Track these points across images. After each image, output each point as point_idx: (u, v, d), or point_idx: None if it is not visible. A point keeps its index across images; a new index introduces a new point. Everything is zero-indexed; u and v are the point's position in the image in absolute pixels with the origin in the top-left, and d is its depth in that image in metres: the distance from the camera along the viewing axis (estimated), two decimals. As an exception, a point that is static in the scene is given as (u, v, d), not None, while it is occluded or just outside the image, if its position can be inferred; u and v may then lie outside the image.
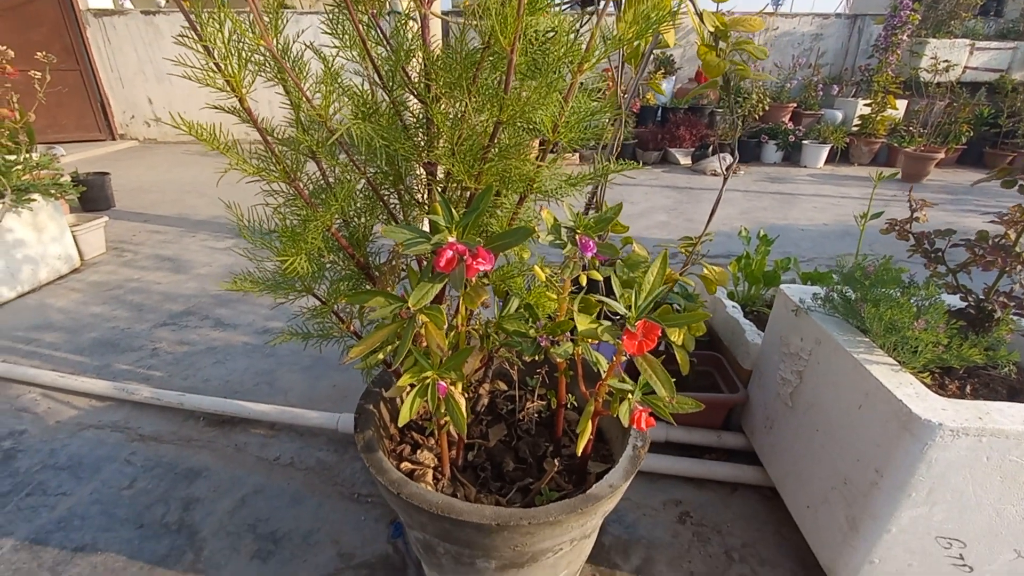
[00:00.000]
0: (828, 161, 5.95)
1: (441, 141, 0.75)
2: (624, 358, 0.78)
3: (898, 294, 1.14)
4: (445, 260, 0.65)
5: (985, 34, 6.07)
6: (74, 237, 2.79)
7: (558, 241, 0.71)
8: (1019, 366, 1.10)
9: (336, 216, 0.73)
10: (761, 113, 5.91)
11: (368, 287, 0.88)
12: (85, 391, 1.79)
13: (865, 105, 5.91)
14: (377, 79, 0.72)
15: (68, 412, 1.73)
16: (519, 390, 1.18)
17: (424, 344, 0.78)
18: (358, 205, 0.78)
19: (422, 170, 0.87)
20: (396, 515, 1.36)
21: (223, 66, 0.61)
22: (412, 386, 0.86)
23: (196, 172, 5.07)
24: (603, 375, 0.81)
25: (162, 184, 4.61)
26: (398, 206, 0.87)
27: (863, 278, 1.12)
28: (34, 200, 2.44)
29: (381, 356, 0.83)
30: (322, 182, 0.77)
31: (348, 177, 0.73)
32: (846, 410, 1.08)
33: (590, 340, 0.80)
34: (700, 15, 1.18)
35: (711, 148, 5.52)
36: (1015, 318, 1.06)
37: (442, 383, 0.77)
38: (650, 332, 0.68)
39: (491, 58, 0.68)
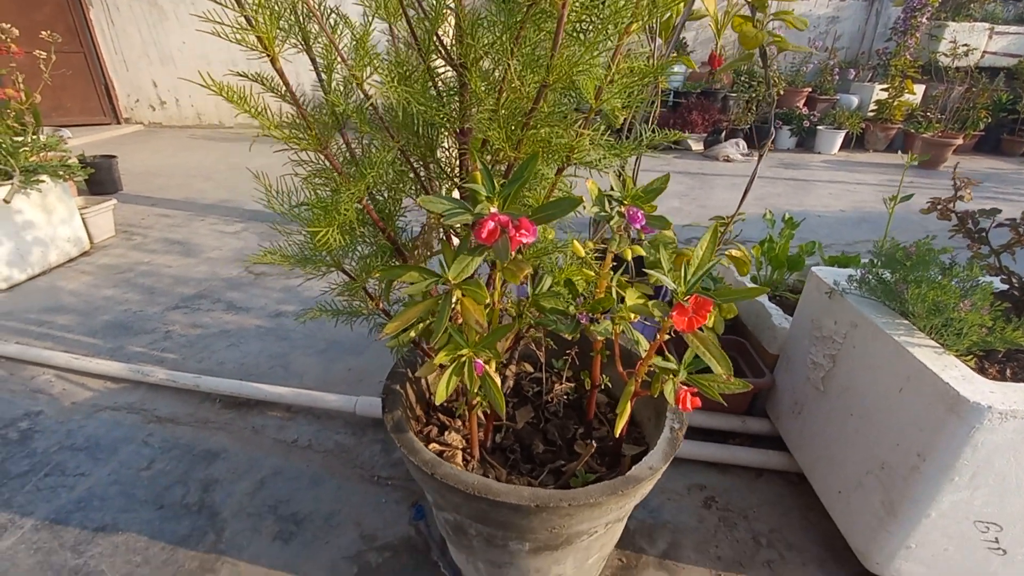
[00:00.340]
0: (843, 147, 5.86)
1: (475, 109, 0.71)
2: (667, 336, 0.75)
3: (939, 276, 1.10)
4: (487, 231, 0.62)
5: (1004, 18, 5.93)
6: (83, 220, 2.77)
7: (603, 212, 0.67)
8: (1066, 349, 1.07)
9: (367, 188, 0.70)
10: (776, 97, 5.80)
11: (396, 263, 0.85)
12: (100, 373, 1.77)
13: (882, 90, 5.79)
14: (412, 40, 0.68)
15: (83, 394, 1.72)
16: (545, 372, 1.16)
17: (460, 321, 0.76)
18: (389, 177, 0.75)
19: (451, 141, 0.84)
20: (417, 498, 1.35)
21: (255, 20, 0.57)
22: (442, 365, 0.84)
23: (202, 156, 5.03)
24: (642, 355, 0.79)
25: (169, 168, 4.57)
26: (426, 178, 0.84)
27: (904, 259, 1.08)
28: (42, 181, 2.41)
29: (413, 334, 0.81)
30: (350, 153, 0.73)
31: (381, 146, 0.70)
32: (885, 394, 1.05)
33: (633, 317, 0.77)
34: (736, -17, 1.13)
35: (724, 133, 5.44)
36: (1063, 300, 1.02)
37: (479, 361, 0.74)
38: (701, 307, 0.64)
39: (536, 16, 0.64)
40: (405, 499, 1.35)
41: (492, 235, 0.62)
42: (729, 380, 0.65)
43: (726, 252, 1.29)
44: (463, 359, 0.75)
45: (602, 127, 0.74)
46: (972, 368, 0.99)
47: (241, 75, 0.75)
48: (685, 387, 0.74)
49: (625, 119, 1.50)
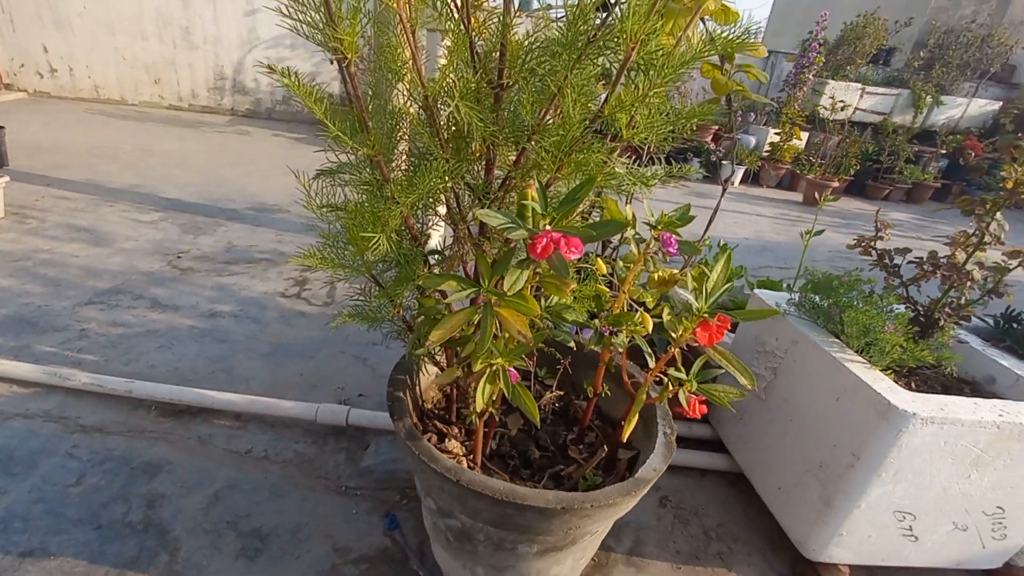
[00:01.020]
0: (742, 181, 6.52)
1: (529, 136, 0.76)
2: (677, 349, 0.83)
3: (860, 303, 1.30)
4: (541, 247, 0.66)
5: (874, 80, 6.95)
6: (-37, 197, 2.39)
7: (638, 235, 0.74)
8: (959, 367, 1.30)
9: (420, 199, 0.72)
10: (689, 132, 6.33)
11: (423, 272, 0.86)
12: (5, 375, 1.55)
13: (775, 133, 6.54)
14: (472, 62, 0.71)
15: (-18, 399, 1.50)
16: (535, 381, 1.21)
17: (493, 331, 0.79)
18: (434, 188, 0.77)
19: (487, 161, 0.87)
20: (390, 507, 1.33)
21: (338, 20, 0.58)
22: (441, 371, 0.86)
23: (105, 135, 4.51)
24: (652, 366, 0.86)
25: (65, 145, 4.05)
26: (461, 195, 0.86)
27: (839, 287, 1.27)
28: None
29: (434, 338, 0.82)
30: (403, 163, 0.75)
31: (438, 160, 0.72)
32: (823, 402, 1.22)
33: (644, 331, 0.84)
34: (712, 37, 1.27)
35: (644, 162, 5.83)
36: (954, 327, 1.26)
37: (513, 370, 0.78)
38: (722, 324, 0.73)
39: (594, 51, 0.70)
40: (376, 509, 1.32)
41: (546, 251, 0.66)
42: (756, 389, 0.75)
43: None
44: (495, 368, 0.78)
45: (629, 155, 0.81)
46: (892, 381, 1.18)
47: (271, 69, 0.73)
48: (694, 396, 0.83)
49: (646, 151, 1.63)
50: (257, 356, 1.88)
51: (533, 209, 0.68)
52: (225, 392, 1.57)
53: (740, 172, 6.34)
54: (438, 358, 1.01)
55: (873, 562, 1.24)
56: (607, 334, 0.83)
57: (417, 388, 1.12)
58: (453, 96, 0.68)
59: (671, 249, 0.73)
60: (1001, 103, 7.18)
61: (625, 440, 0.89)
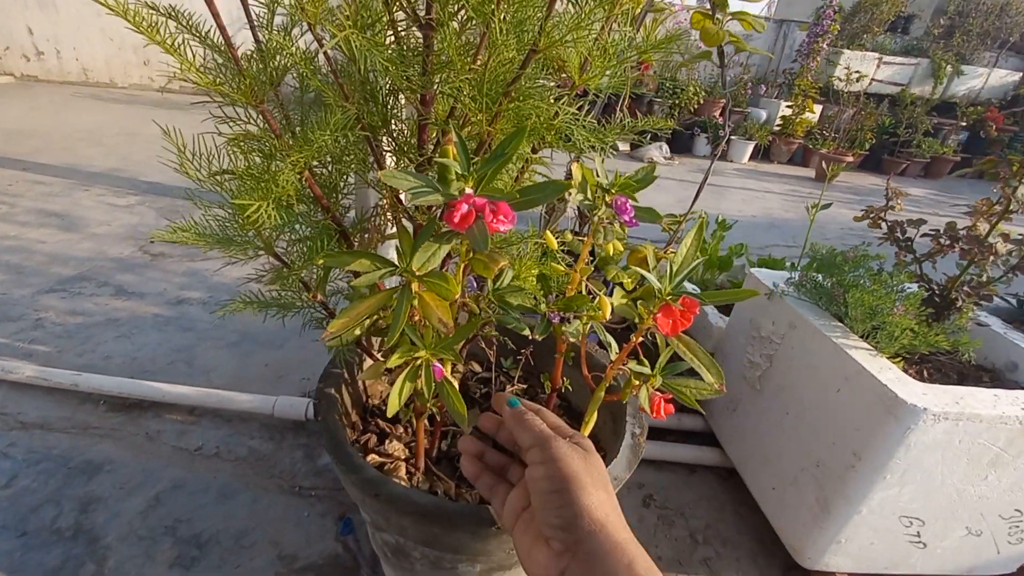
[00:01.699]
0: (752, 157, 6.28)
1: (444, 75, 0.62)
2: (641, 339, 0.70)
3: (868, 283, 1.15)
4: (460, 215, 0.53)
5: (892, 49, 6.63)
6: (-74, 182, 2.30)
7: (587, 201, 0.61)
8: (978, 352, 1.16)
9: (313, 156, 0.58)
10: (696, 106, 6.10)
11: (339, 248, 0.73)
12: (-56, 369, 1.46)
13: (787, 107, 6.27)
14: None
15: (-80, 394, 1.41)
16: (495, 372, 1.08)
17: (416, 318, 0.66)
18: (339, 146, 0.64)
19: (409, 112, 0.73)
20: (345, 509, 1.22)
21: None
22: (388, 369, 0.73)
23: (90, 118, 4.41)
24: (612, 358, 0.73)
25: (46, 129, 3.95)
26: (378, 152, 0.73)
27: (843, 263, 1.12)
28: None
29: (359, 332, 0.70)
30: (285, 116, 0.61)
31: (334, 107, 0.58)
32: (822, 394, 1.09)
33: (603, 317, 0.71)
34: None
35: (649, 136, 5.62)
36: (974, 308, 1.11)
37: (438, 365, 0.65)
38: (688, 310, 0.60)
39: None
40: (331, 511, 1.22)
41: (466, 220, 0.53)
42: (723, 388, 0.61)
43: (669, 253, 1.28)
44: (419, 362, 0.65)
45: (584, 106, 0.67)
46: (901, 370, 1.04)
47: (151, 7, 0.60)
48: (659, 393, 0.69)
49: (600, 103, 1.46)
50: (223, 345, 1.77)
51: (452, 170, 0.54)
52: (178, 385, 1.46)
53: (750, 147, 6.11)
54: (373, 350, 0.89)
55: (875, 570, 1.11)
56: (556, 321, 0.70)
57: (363, 383, 1.00)
58: (345, 25, 0.54)
59: (626, 217, 0.59)
60: (1022, 74, 6.82)
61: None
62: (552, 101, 0.65)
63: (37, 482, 1.21)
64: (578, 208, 1.46)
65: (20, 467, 1.24)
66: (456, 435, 0.97)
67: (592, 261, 0.73)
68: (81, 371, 1.50)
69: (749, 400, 1.33)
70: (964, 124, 6.48)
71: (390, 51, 0.59)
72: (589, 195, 0.60)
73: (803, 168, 6.28)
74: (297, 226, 0.67)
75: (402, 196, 0.77)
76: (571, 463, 0.50)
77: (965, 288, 1.08)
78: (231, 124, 0.59)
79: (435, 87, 0.62)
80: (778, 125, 6.36)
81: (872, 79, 6.61)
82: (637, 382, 0.69)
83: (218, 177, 0.62)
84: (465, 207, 0.53)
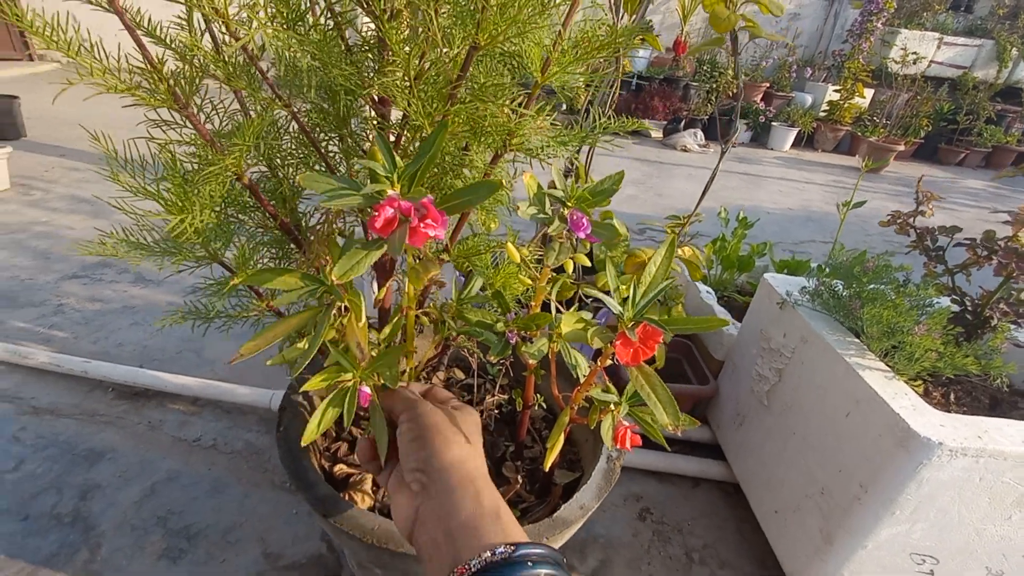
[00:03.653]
0: (794, 145, 5.97)
1: (399, 72, 0.57)
2: (609, 362, 0.64)
3: (892, 295, 1.05)
4: (384, 220, 0.48)
5: (954, 29, 6.15)
6: (-32, 169, 2.41)
7: (542, 215, 0.55)
8: (1010, 378, 1.04)
9: (248, 159, 0.55)
10: (735, 90, 5.82)
11: (296, 257, 0.70)
12: (-33, 352, 1.53)
13: (835, 91, 5.92)
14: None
15: (-55, 376, 1.48)
16: (477, 379, 1.04)
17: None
18: (286, 150, 0.60)
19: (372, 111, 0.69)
20: (332, 509, 1.22)
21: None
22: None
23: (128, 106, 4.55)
24: (581, 378, 0.68)
25: (88, 116, 4.09)
26: (339, 155, 0.69)
27: (861, 274, 1.02)
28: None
29: (302, 346, 0.67)
30: (234, 118, 0.58)
31: (267, 107, 0.55)
32: (831, 417, 1.00)
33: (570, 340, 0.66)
34: (710, -41, 1.02)
35: (683, 123, 5.42)
36: (1011, 327, 1.00)
37: (365, 388, 0.61)
38: (650, 338, 0.54)
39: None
40: (318, 509, 1.21)
41: (390, 224, 0.48)
42: (678, 431, 0.56)
43: (680, 258, 1.20)
44: (347, 386, 0.62)
45: (550, 108, 0.61)
46: (920, 395, 0.94)
47: None
48: (625, 424, 0.64)
49: (586, 99, 1.38)
50: (233, 336, 1.77)
51: (374, 171, 0.50)
52: (180, 375, 1.49)
53: (792, 135, 5.81)
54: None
55: (884, 608, 1.03)
56: (513, 340, 0.65)
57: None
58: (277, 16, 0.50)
59: (581, 233, 0.54)
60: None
61: (548, 468, 0.72)
62: (513, 103, 0.59)
63: (43, 467, 1.25)
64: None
65: (27, 452, 1.28)
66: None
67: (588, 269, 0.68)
68: (94, 358, 1.54)
69: (756, 415, 1.25)
70: (1033, 110, 5.97)
71: (327, 49, 0.54)
72: (545, 208, 0.55)
73: (849, 157, 5.94)
74: (240, 234, 0.64)
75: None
76: (433, 416, 0.54)
77: (1001, 305, 0.97)
78: (163, 128, 0.56)
79: (383, 87, 0.57)
80: (824, 111, 6.02)
81: (931, 61, 6.15)
82: (600, 411, 0.64)
83: (150, 187, 0.60)
84: (389, 211, 0.48)
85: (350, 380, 0.59)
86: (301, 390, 0.58)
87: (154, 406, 1.46)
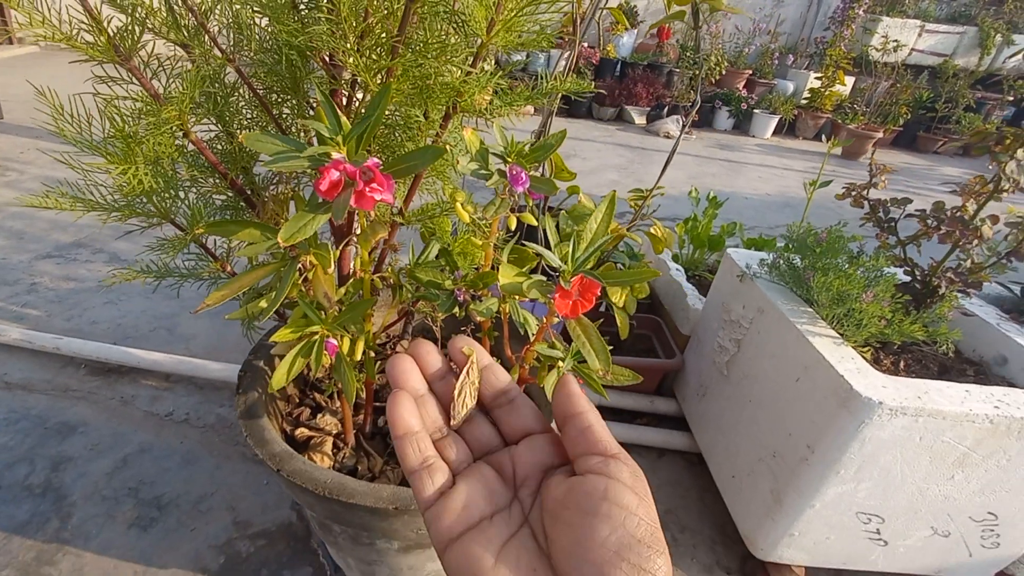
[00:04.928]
0: (775, 132, 6.01)
1: (347, 30, 0.58)
2: (557, 320, 0.67)
3: (846, 265, 1.08)
4: (329, 183, 0.49)
5: (937, 16, 6.20)
6: (-63, 149, 2.37)
7: (483, 171, 0.57)
8: (956, 345, 1.09)
9: (195, 116, 0.56)
10: (717, 77, 5.85)
11: (250, 218, 0.71)
12: (-64, 330, 1.52)
13: (816, 78, 5.96)
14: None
15: (-87, 353, 1.47)
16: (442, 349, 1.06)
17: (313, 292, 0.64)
18: (243, 112, 0.61)
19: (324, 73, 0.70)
20: (303, 479, 1.24)
21: None
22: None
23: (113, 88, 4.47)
24: (532, 338, 0.70)
25: (66, 98, 4.02)
26: (292, 117, 0.70)
27: (815, 245, 1.05)
28: None
29: (265, 304, 0.68)
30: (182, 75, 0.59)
31: (203, 63, 0.56)
32: (783, 383, 1.04)
33: (517, 297, 0.68)
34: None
35: (666, 109, 5.43)
36: (958, 296, 1.03)
37: (332, 340, 0.63)
38: (587, 291, 0.56)
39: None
40: (290, 480, 1.23)
41: (335, 187, 0.50)
42: (608, 375, 0.58)
43: (646, 229, 1.22)
44: (314, 337, 0.63)
45: (502, 74, 0.63)
46: (868, 360, 0.98)
47: None
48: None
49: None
50: (207, 314, 1.79)
51: (320, 133, 0.51)
52: (152, 352, 1.49)
53: (773, 122, 5.85)
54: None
55: (833, 565, 1.07)
56: (462, 299, 0.67)
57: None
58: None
59: (519, 187, 0.56)
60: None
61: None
62: (461, 61, 0.60)
63: (15, 440, 1.26)
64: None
65: (0, 426, 1.29)
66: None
67: (515, 234, 0.70)
68: (67, 335, 1.54)
69: (717, 386, 1.28)
70: (1011, 99, 6.05)
71: (274, 6, 0.55)
72: (485, 164, 0.56)
73: (827, 141, 5.99)
74: (190, 193, 0.65)
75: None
76: (651, 511, 0.30)
77: (948, 274, 1.01)
78: (109, 84, 0.56)
79: (332, 47, 0.58)
80: (805, 98, 6.06)
81: (912, 49, 6.21)
82: (547, 367, 0.66)
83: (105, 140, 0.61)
84: (335, 174, 0.49)
85: (317, 334, 0.60)
86: (271, 340, 0.60)
87: (127, 382, 1.47)
